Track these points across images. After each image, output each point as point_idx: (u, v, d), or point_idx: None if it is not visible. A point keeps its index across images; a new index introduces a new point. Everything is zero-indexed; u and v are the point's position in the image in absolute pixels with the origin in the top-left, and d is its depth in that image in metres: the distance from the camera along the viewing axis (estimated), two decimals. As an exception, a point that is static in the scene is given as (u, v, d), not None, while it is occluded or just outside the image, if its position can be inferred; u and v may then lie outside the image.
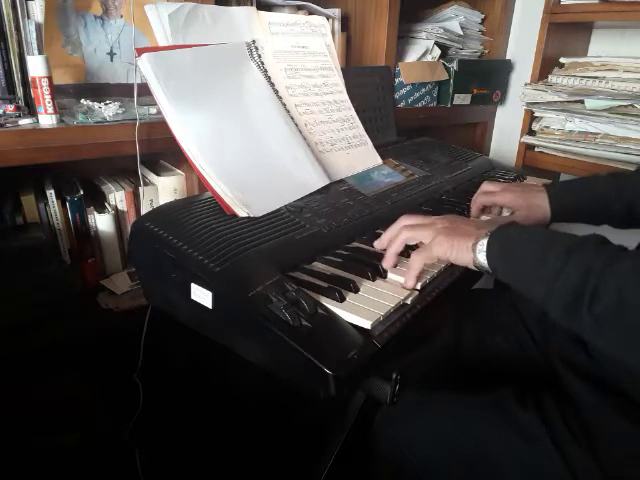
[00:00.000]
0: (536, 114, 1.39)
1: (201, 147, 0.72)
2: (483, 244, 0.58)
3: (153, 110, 0.86)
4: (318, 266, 0.66)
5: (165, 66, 0.73)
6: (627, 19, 1.19)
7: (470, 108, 1.46)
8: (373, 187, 0.89)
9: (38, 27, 0.77)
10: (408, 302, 0.60)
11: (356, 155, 0.95)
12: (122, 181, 0.97)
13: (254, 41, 0.88)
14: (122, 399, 0.92)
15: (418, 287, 0.62)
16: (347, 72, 1.04)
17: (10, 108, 0.77)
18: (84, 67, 0.89)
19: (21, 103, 0.79)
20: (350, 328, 0.54)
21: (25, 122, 0.76)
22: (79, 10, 0.86)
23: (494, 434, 0.65)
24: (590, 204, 0.78)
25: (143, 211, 0.94)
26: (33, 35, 0.76)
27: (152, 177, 0.98)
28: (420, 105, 1.34)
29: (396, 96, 1.26)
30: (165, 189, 0.96)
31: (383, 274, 0.64)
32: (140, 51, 0.71)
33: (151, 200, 0.96)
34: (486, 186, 0.85)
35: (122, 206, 0.94)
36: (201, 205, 0.71)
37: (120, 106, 0.84)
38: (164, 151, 0.89)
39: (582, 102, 1.26)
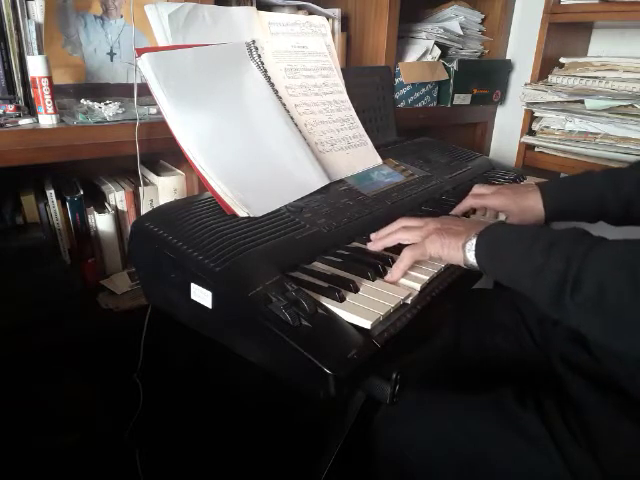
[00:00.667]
0: (536, 114, 1.39)
1: (201, 147, 0.72)
2: (472, 243, 0.60)
3: (153, 110, 0.86)
4: (318, 266, 0.66)
5: (165, 66, 0.73)
6: (627, 19, 1.19)
7: (470, 108, 1.46)
8: (373, 187, 0.89)
9: (38, 27, 0.77)
10: (408, 302, 0.60)
11: (356, 155, 0.95)
12: (122, 181, 0.97)
13: (254, 41, 0.88)
14: (122, 399, 0.92)
15: (418, 287, 0.62)
16: (347, 72, 1.04)
17: (10, 108, 0.77)
18: (84, 67, 0.89)
19: (21, 103, 0.79)
20: (350, 328, 0.54)
21: (25, 122, 0.76)
22: (79, 10, 0.86)
23: (494, 434, 0.65)
24: (585, 202, 0.78)
25: (143, 211, 0.94)
26: (33, 35, 0.76)
27: (152, 177, 0.98)
28: (420, 105, 1.34)
29: (396, 96, 1.26)
30: (165, 189, 0.96)
31: (382, 273, 0.64)
32: (140, 51, 0.71)
33: (151, 200, 0.96)
34: (477, 189, 0.85)
35: (122, 206, 0.94)
36: (201, 205, 0.71)
37: (120, 106, 0.84)
38: (164, 151, 0.89)
39: (582, 102, 1.26)
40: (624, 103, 1.20)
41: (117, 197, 0.93)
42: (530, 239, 0.56)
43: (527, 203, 0.78)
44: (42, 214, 0.85)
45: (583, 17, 1.26)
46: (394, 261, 0.66)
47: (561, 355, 0.74)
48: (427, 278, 0.63)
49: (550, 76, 1.34)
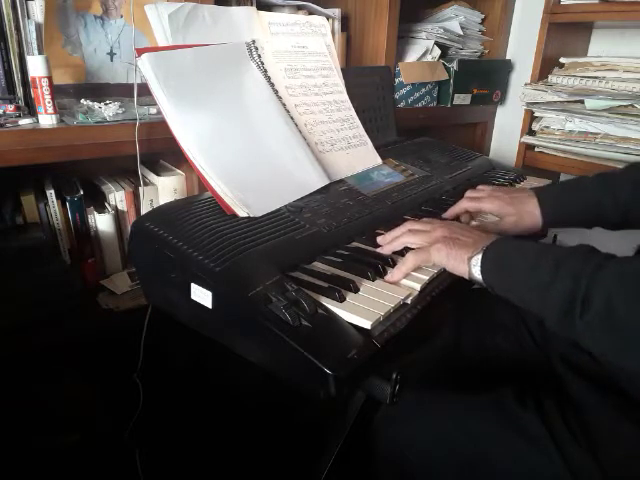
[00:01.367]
0: (536, 114, 1.39)
1: (201, 147, 0.72)
2: (478, 259, 0.60)
3: (153, 110, 0.86)
4: (318, 266, 0.66)
5: (165, 66, 0.73)
6: (627, 19, 1.19)
7: (470, 108, 1.46)
8: (373, 187, 0.89)
9: (38, 27, 0.77)
10: (408, 302, 0.60)
11: (356, 155, 0.95)
12: (122, 181, 0.97)
13: (254, 41, 0.88)
14: (122, 399, 0.92)
15: (418, 287, 0.62)
16: (347, 72, 1.04)
17: (10, 108, 0.77)
18: (84, 67, 0.89)
19: (21, 103, 0.79)
20: (350, 328, 0.54)
21: (25, 122, 0.76)
22: (79, 10, 0.86)
23: (494, 434, 0.65)
24: (581, 209, 0.77)
25: (143, 211, 0.94)
26: (33, 35, 0.76)
27: (152, 177, 0.98)
28: (420, 105, 1.34)
29: (396, 96, 1.26)
30: (165, 189, 0.96)
31: (383, 273, 0.64)
32: (140, 51, 0.71)
33: (151, 200, 0.96)
34: (471, 192, 0.84)
35: (122, 206, 0.94)
36: (201, 205, 0.71)
37: (120, 106, 0.84)
38: (164, 151, 0.89)
39: (582, 102, 1.26)
40: (624, 103, 1.20)
41: (117, 197, 0.93)
42: (537, 257, 0.56)
43: (526, 208, 0.77)
44: (42, 214, 0.85)
45: (583, 17, 1.26)
46: (394, 261, 0.67)
47: (561, 355, 0.74)
48: (427, 278, 0.63)
49: (550, 76, 1.34)
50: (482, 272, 0.60)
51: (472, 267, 0.61)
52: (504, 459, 0.64)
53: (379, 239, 0.71)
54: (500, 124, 1.59)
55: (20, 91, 0.79)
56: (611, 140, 1.25)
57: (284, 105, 0.87)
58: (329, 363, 0.48)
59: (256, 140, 0.80)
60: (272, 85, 0.88)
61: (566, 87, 1.29)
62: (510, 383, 0.70)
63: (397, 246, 0.69)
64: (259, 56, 0.88)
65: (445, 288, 0.64)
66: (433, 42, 1.32)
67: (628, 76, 1.20)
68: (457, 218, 0.83)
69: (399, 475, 0.71)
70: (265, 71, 0.88)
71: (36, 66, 0.75)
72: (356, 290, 0.59)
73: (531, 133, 1.42)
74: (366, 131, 1.01)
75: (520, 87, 1.40)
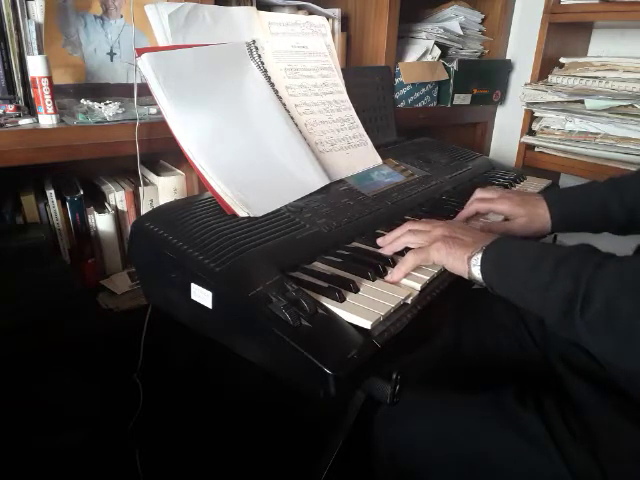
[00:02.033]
0: (536, 114, 1.39)
1: (201, 147, 0.72)
2: (478, 259, 0.60)
3: (153, 110, 0.86)
4: (318, 266, 0.66)
5: (165, 66, 0.73)
6: (627, 19, 1.19)
7: (470, 108, 1.46)
8: (373, 187, 0.89)
9: (38, 27, 0.77)
10: (408, 302, 0.60)
11: (356, 155, 0.95)
12: (122, 181, 0.97)
13: (254, 41, 0.88)
14: (122, 399, 0.92)
15: (418, 287, 0.62)
16: (347, 72, 1.04)
17: (10, 108, 0.77)
18: (84, 67, 0.89)
19: (21, 103, 0.79)
20: (350, 328, 0.54)
21: (25, 122, 0.76)
22: (79, 10, 0.86)
23: (494, 434, 0.65)
24: (589, 213, 0.77)
25: (143, 211, 0.94)
26: (33, 35, 0.76)
27: (152, 177, 0.98)
28: (420, 105, 1.34)
29: (396, 96, 1.26)
30: (165, 189, 0.96)
31: (383, 273, 0.64)
32: (140, 51, 0.71)
33: (151, 200, 0.96)
34: (481, 193, 0.83)
35: (122, 206, 0.94)
36: (201, 205, 0.71)
37: (120, 106, 0.84)
38: (164, 151, 0.89)
39: (582, 102, 1.26)
40: (624, 103, 1.20)
41: (117, 197, 0.93)
42: (537, 256, 0.56)
43: (537, 211, 0.77)
44: (42, 214, 0.85)
45: (583, 17, 1.26)
46: (394, 261, 0.67)
47: (561, 355, 0.74)
48: (427, 278, 0.63)
49: (550, 76, 1.34)
50: (482, 271, 0.60)
51: (472, 267, 0.60)
52: (504, 459, 0.64)
53: (379, 240, 0.71)
54: (500, 124, 1.59)
55: (20, 91, 0.79)
56: (611, 140, 1.25)
57: (284, 105, 0.87)
58: (329, 363, 0.48)
59: (256, 140, 0.80)
60: (272, 85, 0.88)
61: (566, 87, 1.29)
62: (510, 383, 0.70)
63: (397, 246, 0.69)
64: (259, 56, 0.88)
65: (445, 288, 0.64)
66: (433, 42, 1.32)
67: (628, 76, 1.20)
68: (467, 221, 0.82)
69: (399, 475, 0.71)
70: (265, 71, 0.88)
71: (36, 66, 0.75)
72: (356, 290, 0.59)
73: (531, 133, 1.42)
74: (366, 131, 1.01)
75: (520, 87, 1.40)
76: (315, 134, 0.90)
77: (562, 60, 1.36)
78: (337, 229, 0.73)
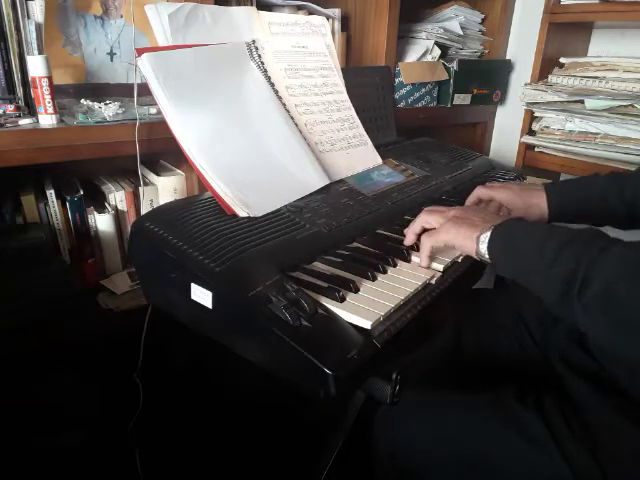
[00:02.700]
0: (536, 114, 1.39)
1: (201, 147, 0.72)
2: (486, 236, 0.61)
3: (153, 110, 0.86)
4: (318, 266, 0.66)
5: (165, 66, 0.73)
6: (627, 19, 1.19)
7: (470, 108, 1.46)
8: (373, 187, 0.89)
9: (38, 27, 0.77)
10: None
11: (356, 155, 0.95)
12: (122, 181, 0.97)
13: (254, 41, 0.88)
14: (122, 399, 0.92)
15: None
16: (347, 72, 1.04)
17: (10, 108, 0.77)
18: (84, 67, 0.89)
19: (21, 103, 0.79)
20: (350, 328, 0.54)
21: (25, 122, 0.76)
22: (79, 10, 0.86)
23: (494, 434, 0.65)
24: (588, 204, 0.78)
25: (143, 211, 0.94)
26: (33, 35, 0.76)
27: (152, 177, 0.98)
28: (420, 105, 1.34)
29: (396, 96, 1.26)
30: (165, 189, 0.96)
31: (383, 273, 0.64)
32: (140, 51, 0.71)
33: (151, 200, 0.96)
34: (487, 184, 0.87)
35: (122, 206, 0.94)
36: (201, 205, 0.71)
37: (120, 106, 0.84)
38: (164, 151, 0.89)
39: (582, 102, 1.26)
40: (624, 103, 1.20)
41: (117, 197, 0.93)
42: (543, 237, 0.57)
43: (533, 201, 0.80)
44: (42, 214, 0.85)
45: (583, 17, 1.26)
46: (394, 261, 0.67)
47: (561, 355, 0.74)
48: (427, 278, 0.64)
49: (550, 76, 1.34)
50: (489, 249, 0.61)
51: (480, 244, 0.62)
52: (504, 459, 0.64)
53: (406, 230, 0.74)
54: (500, 124, 1.59)
55: (20, 91, 0.78)
56: (611, 140, 1.25)
57: (284, 105, 0.87)
58: (329, 363, 0.48)
59: (256, 140, 0.80)
60: (272, 85, 0.88)
61: (566, 87, 1.29)
62: (510, 383, 0.70)
63: (416, 227, 0.71)
64: (259, 56, 0.88)
65: (445, 288, 0.64)
66: (433, 42, 1.31)
67: (628, 76, 1.20)
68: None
69: (399, 475, 0.71)
70: (265, 71, 0.88)
71: (36, 66, 0.75)
72: (356, 290, 0.59)
73: (531, 133, 1.41)
74: (366, 131, 1.01)
75: (520, 87, 1.40)
76: (315, 134, 0.90)
77: (562, 60, 1.36)
78: (337, 229, 0.73)
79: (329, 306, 0.56)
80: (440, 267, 0.67)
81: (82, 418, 0.96)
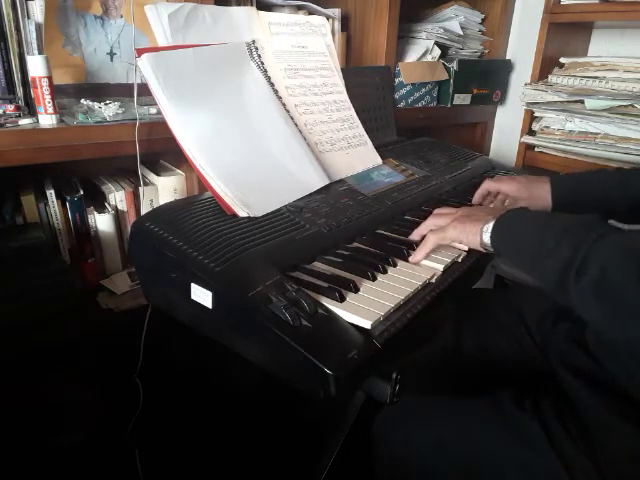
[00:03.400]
0: (536, 114, 1.39)
1: (201, 147, 0.72)
2: (489, 227, 0.63)
3: (153, 110, 0.86)
4: (318, 266, 0.66)
5: (165, 66, 0.73)
6: (627, 19, 1.19)
7: (470, 108, 1.46)
8: (373, 187, 0.89)
9: (38, 27, 0.77)
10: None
11: (356, 155, 0.95)
12: (122, 181, 0.97)
13: (254, 41, 0.88)
14: (122, 399, 0.92)
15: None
16: (347, 72, 1.04)
17: (10, 108, 0.77)
18: (84, 67, 0.89)
19: (21, 103, 0.79)
20: (350, 328, 0.54)
21: (25, 122, 0.76)
22: (79, 10, 0.86)
23: (492, 436, 0.65)
24: (591, 198, 0.80)
25: (143, 211, 0.94)
26: (33, 35, 0.76)
27: (152, 177, 0.98)
28: (420, 105, 1.34)
29: (396, 96, 1.26)
30: (165, 189, 0.96)
31: (383, 273, 0.64)
32: (140, 51, 0.71)
33: (151, 200, 0.96)
34: (495, 176, 0.91)
35: (122, 206, 0.94)
36: (201, 205, 0.71)
37: (120, 106, 0.84)
38: (164, 151, 0.89)
39: (582, 102, 1.26)
40: (624, 103, 1.20)
41: (117, 197, 0.93)
42: (543, 224, 0.58)
43: (537, 192, 0.82)
44: (42, 214, 0.85)
45: (583, 17, 1.26)
46: (394, 261, 0.67)
47: (561, 356, 0.74)
48: (427, 278, 0.64)
49: (550, 76, 1.34)
50: (491, 238, 0.62)
51: (483, 234, 0.63)
52: (503, 461, 0.64)
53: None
54: (500, 124, 1.59)
55: (20, 91, 0.78)
56: (611, 140, 1.25)
57: (284, 105, 0.87)
58: (329, 363, 0.48)
59: (256, 140, 0.80)
60: (272, 85, 0.88)
61: (566, 87, 1.29)
62: (509, 384, 0.70)
63: (423, 229, 0.72)
64: (259, 56, 0.88)
65: (445, 288, 0.64)
66: (433, 42, 1.31)
67: (628, 76, 1.20)
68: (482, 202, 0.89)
69: (399, 475, 0.71)
70: (265, 71, 0.88)
71: (36, 66, 0.75)
72: (356, 290, 0.59)
73: (531, 133, 1.41)
74: (366, 131, 1.01)
75: (520, 87, 1.40)
76: (315, 134, 0.90)
77: (562, 60, 1.36)
78: (337, 229, 0.73)
79: (329, 306, 0.56)
80: (440, 267, 0.67)
81: (82, 418, 0.96)
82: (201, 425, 1.07)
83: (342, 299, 0.57)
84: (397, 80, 1.26)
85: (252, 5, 1.00)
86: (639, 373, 0.62)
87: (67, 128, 0.77)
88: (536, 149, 1.42)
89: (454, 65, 1.34)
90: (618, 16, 1.19)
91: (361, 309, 0.56)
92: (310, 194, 0.80)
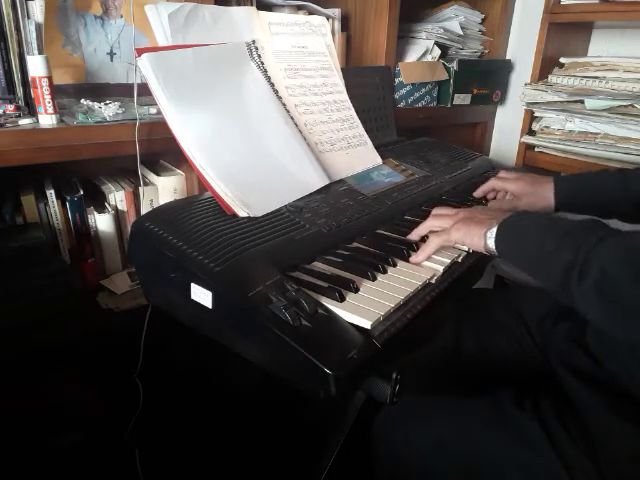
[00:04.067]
0: (536, 114, 1.39)
1: (201, 147, 0.72)
2: (493, 232, 0.63)
3: (153, 110, 0.86)
4: (318, 266, 0.66)
5: (165, 66, 0.73)
6: (627, 19, 1.19)
7: (470, 108, 1.46)
8: (373, 187, 0.89)
9: (38, 27, 0.77)
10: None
11: (356, 155, 0.95)
12: (122, 181, 0.97)
13: (254, 41, 0.88)
14: (122, 399, 0.92)
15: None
16: (347, 72, 1.04)
17: (10, 108, 0.77)
18: (84, 67, 0.89)
19: (21, 103, 0.79)
20: (350, 328, 0.54)
21: (25, 122, 0.76)
22: (79, 10, 0.86)
23: (492, 436, 0.65)
24: (593, 198, 0.81)
25: (143, 211, 0.94)
26: (33, 35, 0.76)
27: (152, 177, 0.98)
28: (420, 105, 1.34)
29: (396, 96, 1.26)
30: (165, 189, 0.96)
31: (383, 273, 0.64)
32: (140, 51, 0.71)
33: (151, 200, 0.96)
34: (502, 173, 0.91)
35: (122, 206, 0.94)
36: (201, 205, 0.71)
37: (120, 106, 0.84)
38: (164, 151, 0.89)
39: (582, 102, 1.26)
40: (624, 103, 1.20)
41: (117, 197, 0.93)
42: (545, 228, 0.58)
43: (541, 191, 0.83)
44: (42, 214, 0.85)
45: (583, 17, 1.26)
46: (394, 261, 0.67)
47: (561, 355, 0.74)
48: (427, 278, 0.64)
49: (550, 76, 1.34)
50: (496, 243, 0.63)
51: (487, 239, 0.64)
52: (503, 461, 0.64)
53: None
54: (500, 124, 1.59)
55: (20, 91, 0.78)
56: (611, 140, 1.25)
57: (284, 105, 0.87)
58: (329, 363, 0.48)
59: (256, 140, 0.80)
60: (272, 85, 0.88)
61: (566, 87, 1.29)
62: (509, 384, 0.70)
63: (423, 230, 0.72)
64: (259, 56, 0.88)
65: (445, 288, 0.64)
66: (433, 42, 1.31)
67: (628, 76, 1.20)
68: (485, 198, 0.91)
69: (399, 475, 0.71)
70: (265, 71, 0.88)
71: (36, 66, 0.75)
72: (356, 290, 0.59)
73: (531, 133, 1.41)
74: (366, 131, 1.01)
75: (520, 87, 1.40)
76: (315, 134, 0.90)
77: (562, 60, 1.36)
78: (337, 229, 0.73)
79: (329, 306, 0.56)
80: (440, 267, 0.67)
81: (82, 418, 0.96)
82: (201, 425, 1.07)
83: (342, 299, 0.57)
84: (397, 80, 1.26)
85: (252, 5, 1.00)
86: (639, 373, 0.62)
87: (67, 128, 0.77)
88: (536, 149, 1.42)
89: (454, 65, 1.34)
90: (618, 16, 1.19)
91: (361, 309, 0.56)
92: (310, 194, 0.80)
